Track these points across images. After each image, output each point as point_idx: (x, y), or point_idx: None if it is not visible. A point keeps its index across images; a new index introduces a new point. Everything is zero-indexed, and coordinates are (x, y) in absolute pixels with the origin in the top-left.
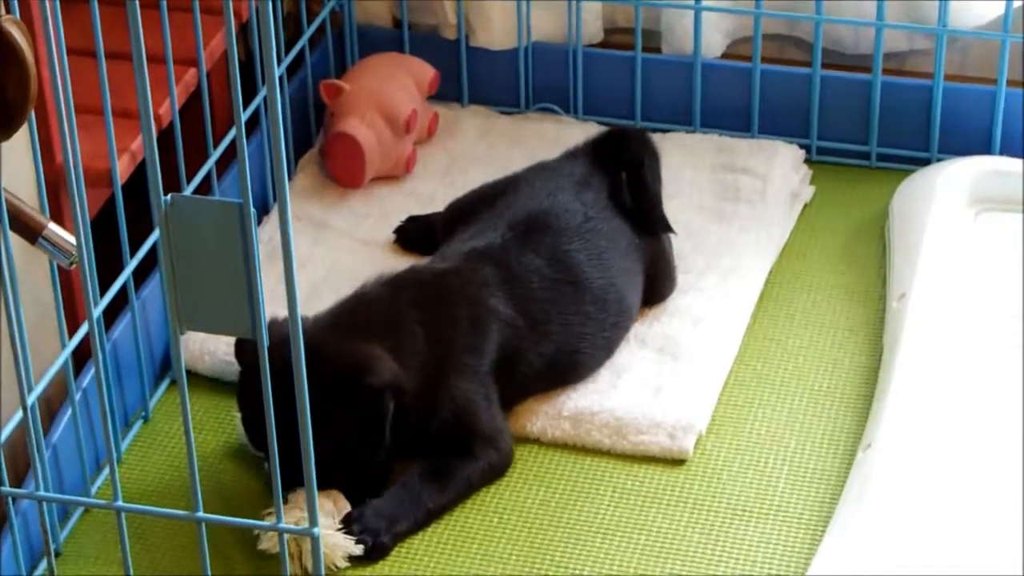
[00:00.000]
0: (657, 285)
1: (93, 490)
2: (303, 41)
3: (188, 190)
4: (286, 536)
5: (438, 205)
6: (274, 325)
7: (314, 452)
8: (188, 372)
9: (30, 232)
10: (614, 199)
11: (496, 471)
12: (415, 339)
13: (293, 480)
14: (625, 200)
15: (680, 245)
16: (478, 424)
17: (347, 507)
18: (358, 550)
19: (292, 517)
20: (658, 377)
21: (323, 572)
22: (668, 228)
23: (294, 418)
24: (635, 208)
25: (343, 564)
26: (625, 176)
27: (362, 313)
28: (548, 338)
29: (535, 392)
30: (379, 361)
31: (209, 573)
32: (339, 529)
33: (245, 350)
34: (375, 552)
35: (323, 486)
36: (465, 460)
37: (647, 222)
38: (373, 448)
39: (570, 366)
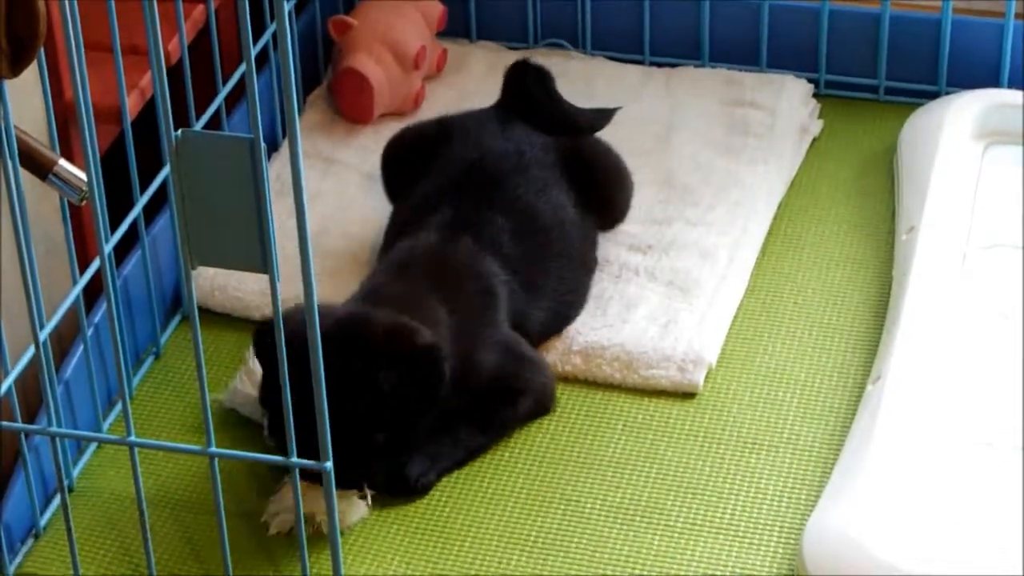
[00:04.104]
0: (612, 195)
1: (105, 426)
2: None
3: (198, 126)
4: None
5: None
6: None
7: (360, 421)
8: (199, 308)
9: (41, 168)
10: (536, 128)
11: (535, 414)
12: (443, 322)
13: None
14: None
15: (688, 178)
16: (513, 382)
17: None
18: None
19: (283, 504)
20: (668, 311)
21: (336, 508)
22: (595, 122)
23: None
24: (559, 121)
25: (354, 519)
26: (537, 96)
27: (388, 298)
28: (538, 290)
29: (544, 338)
30: (421, 327)
31: (222, 508)
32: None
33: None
34: (421, 490)
35: (363, 457)
36: (505, 406)
37: (576, 126)
38: (426, 407)
39: (562, 308)
